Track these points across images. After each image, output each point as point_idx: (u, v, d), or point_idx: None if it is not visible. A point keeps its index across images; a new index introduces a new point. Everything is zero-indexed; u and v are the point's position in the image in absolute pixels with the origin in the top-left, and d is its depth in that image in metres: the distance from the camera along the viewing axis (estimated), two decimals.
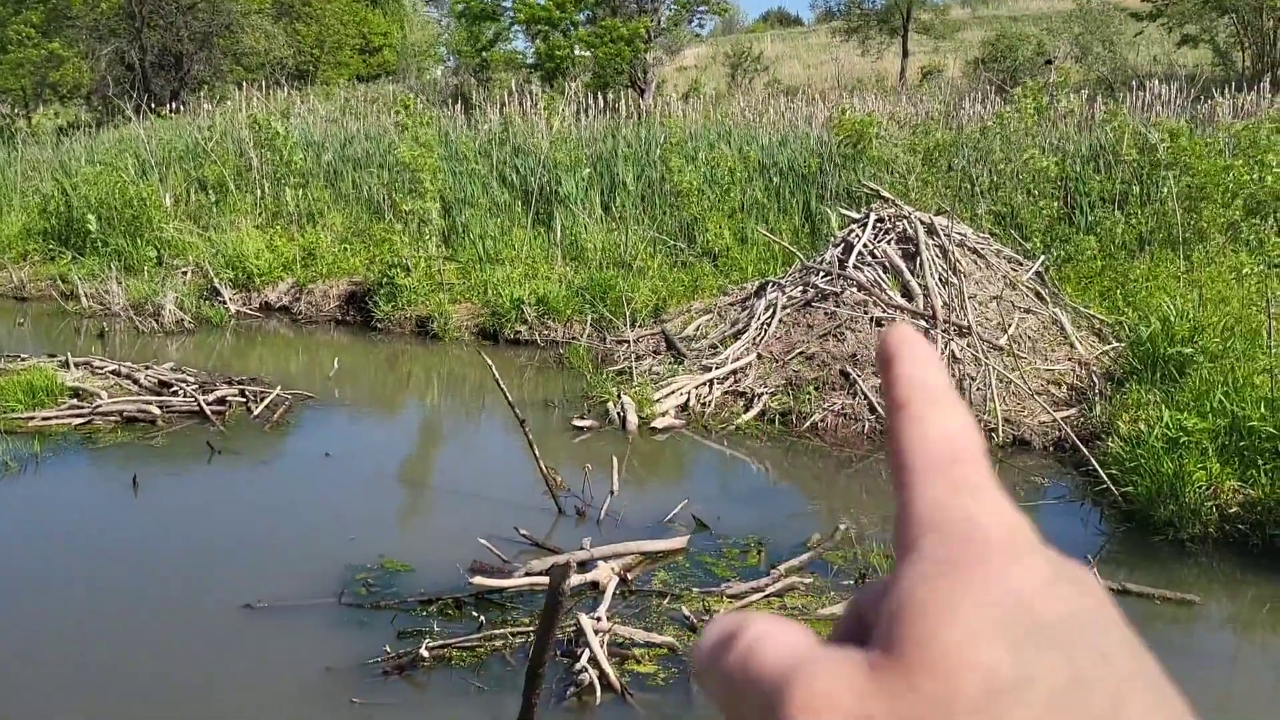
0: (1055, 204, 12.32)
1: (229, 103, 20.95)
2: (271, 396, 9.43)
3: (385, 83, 33.17)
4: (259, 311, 13.92)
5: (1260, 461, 6.75)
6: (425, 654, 5.13)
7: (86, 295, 13.95)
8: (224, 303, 13.70)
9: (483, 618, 5.58)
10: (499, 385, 7.28)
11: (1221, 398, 7.32)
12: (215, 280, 13.96)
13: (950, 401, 0.38)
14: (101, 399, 9.15)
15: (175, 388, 9.52)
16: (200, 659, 5.37)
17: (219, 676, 5.21)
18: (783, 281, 10.58)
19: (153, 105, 22.30)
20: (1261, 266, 7.60)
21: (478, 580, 5.84)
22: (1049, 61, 23.45)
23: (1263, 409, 7.01)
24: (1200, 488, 6.71)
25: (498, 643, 5.35)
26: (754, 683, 0.33)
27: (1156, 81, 17.29)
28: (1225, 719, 5.14)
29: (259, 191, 16.31)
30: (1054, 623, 0.32)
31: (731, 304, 10.99)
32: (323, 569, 6.19)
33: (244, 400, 9.45)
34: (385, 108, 20.17)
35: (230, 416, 9.22)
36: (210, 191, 16.46)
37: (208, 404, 9.10)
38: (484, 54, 32.07)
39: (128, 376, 9.82)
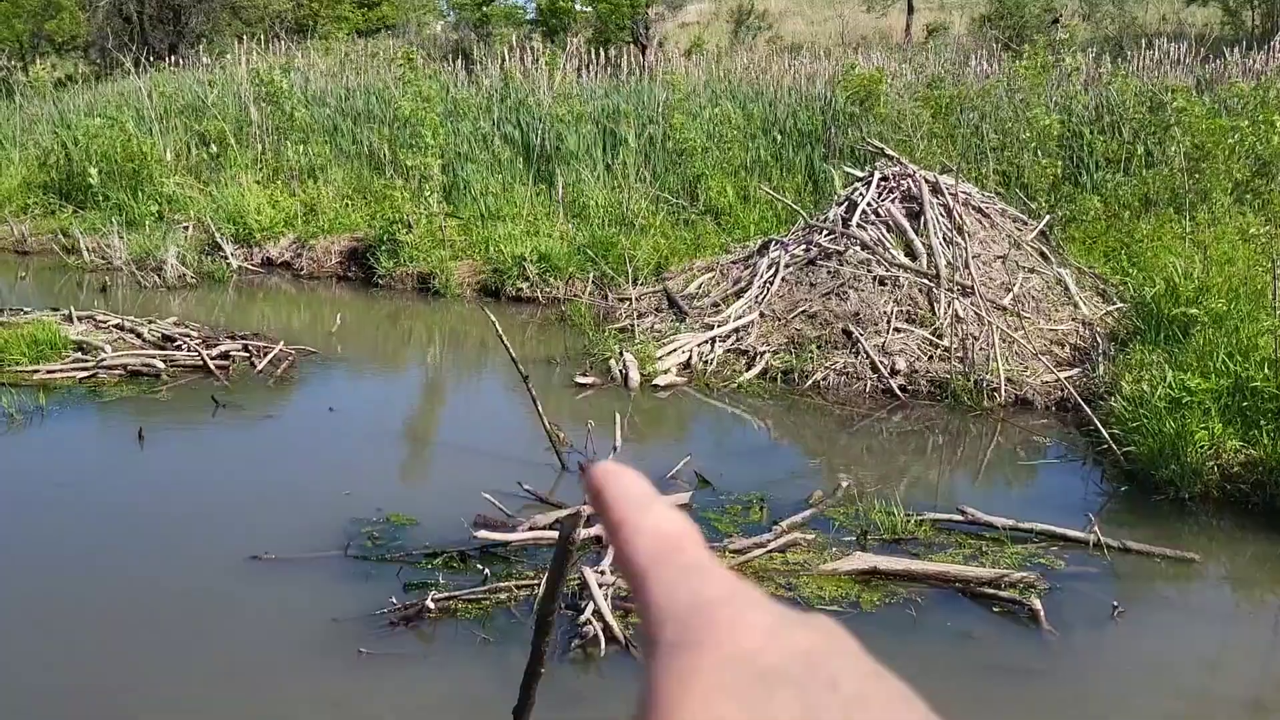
0: (1060, 163, 12.25)
1: (228, 57, 20.75)
2: (275, 352, 9.44)
3: (385, 37, 32.83)
4: (261, 267, 13.89)
5: (1262, 422, 6.77)
6: (431, 605, 5.18)
7: (88, 249, 13.91)
8: (226, 258, 13.66)
9: (487, 571, 5.63)
10: (502, 341, 7.28)
11: (1225, 358, 7.33)
12: (217, 235, 13.91)
13: (659, 505, 0.41)
14: (105, 353, 9.15)
15: (179, 342, 9.53)
16: (207, 610, 5.42)
17: (226, 627, 5.26)
18: (786, 240, 10.54)
19: (151, 59, 22.08)
20: (1268, 227, 7.57)
21: (482, 534, 5.88)
22: (1056, 20, 23.20)
23: (1266, 370, 7.02)
24: (1202, 448, 6.73)
25: (502, 595, 5.40)
26: None
27: (1165, 40, 17.12)
28: (1223, 674, 5.21)
29: (260, 146, 16.20)
30: (780, 666, 0.34)
31: (734, 262, 10.96)
32: (328, 522, 6.23)
33: (247, 355, 9.46)
34: (385, 62, 19.97)
35: (234, 371, 9.23)
36: (211, 146, 16.35)
37: (211, 359, 9.11)
38: (484, 8, 31.74)
39: (131, 331, 9.82)
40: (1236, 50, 16.47)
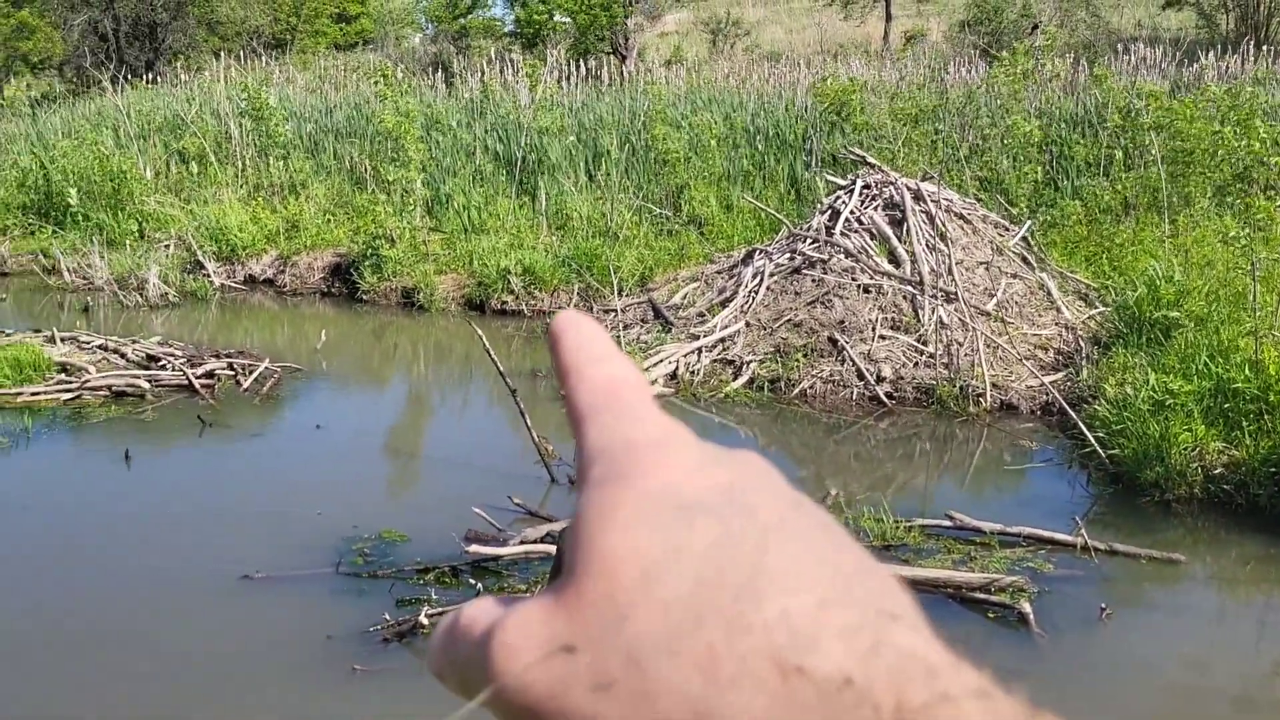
0: (1039, 169, 12.35)
1: (206, 73, 20.70)
2: (260, 369, 9.41)
3: (363, 51, 32.84)
4: (243, 284, 13.84)
5: (1244, 423, 6.85)
6: (424, 621, 5.18)
7: (69, 270, 13.83)
8: (208, 276, 13.61)
9: (479, 585, 5.63)
10: (489, 354, 7.28)
11: (1206, 361, 7.41)
12: (198, 253, 13.86)
13: (611, 356, 0.41)
14: (89, 374, 9.10)
15: (163, 362, 9.48)
16: (200, 630, 5.40)
17: (220, 647, 5.25)
18: (770, 249, 10.59)
19: (128, 76, 22.01)
20: (1246, 230, 7.67)
21: (474, 549, 5.88)
22: (1035, 26, 23.41)
23: (1247, 371, 7.10)
24: (1186, 449, 6.80)
25: None
26: (471, 652, 0.36)
27: (1141, 45, 17.29)
28: (1210, 672, 5.26)
29: (240, 163, 16.17)
30: (701, 497, 0.35)
31: (718, 272, 11.00)
32: (318, 540, 6.22)
33: (233, 374, 9.42)
34: (364, 77, 19.98)
35: (219, 390, 9.20)
36: (191, 163, 16.30)
37: (196, 378, 9.07)
38: (462, 21, 31.77)
39: (115, 351, 9.77)
40: (1211, 54, 16.66)
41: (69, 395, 8.82)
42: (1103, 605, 5.50)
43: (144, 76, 22.61)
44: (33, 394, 8.75)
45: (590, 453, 0.38)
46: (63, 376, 9.13)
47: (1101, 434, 7.33)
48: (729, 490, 0.36)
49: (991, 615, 5.49)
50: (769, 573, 0.33)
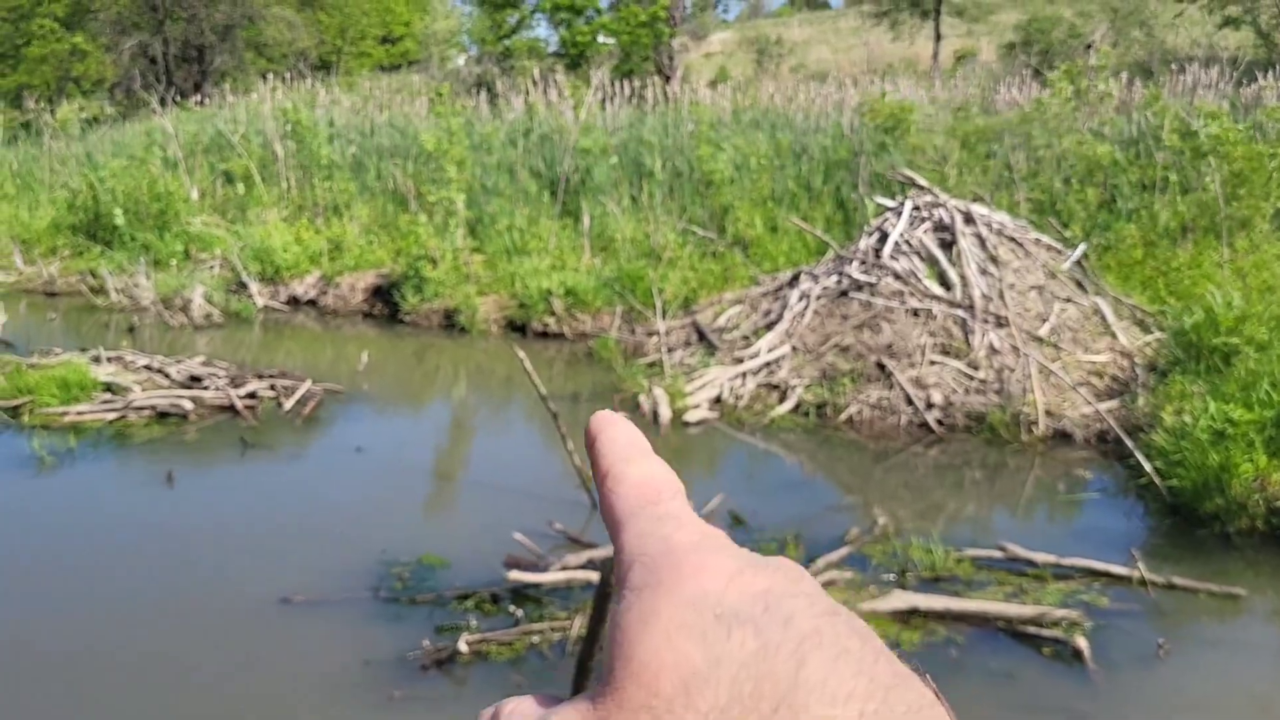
0: (1097, 191, 12.08)
1: (254, 95, 20.98)
2: (302, 390, 9.41)
3: (408, 72, 33.18)
4: (286, 305, 13.92)
5: None
6: (464, 648, 5.09)
7: (116, 290, 13.99)
8: (251, 296, 13.70)
9: (519, 612, 5.55)
10: (531, 378, 7.21)
11: (1269, 389, 7.16)
12: (243, 274, 13.97)
13: (645, 456, 0.42)
14: (134, 393, 9.15)
15: (206, 382, 9.52)
16: (239, 652, 5.36)
17: (258, 669, 5.20)
18: (816, 271, 10.45)
19: (176, 98, 22.36)
20: None
21: (515, 575, 5.79)
22: (1089, 45, 23.07)
23: None
24: (1247, 480, 6.56)
25: (535, 637, 5.31)
26: None
27: (1197, 65, 16.95)
28: (1272, 712, 5.04)
29: (285, 184, 16.31)
30: (739, 605, 0.35)
31: (764, 294, 10.86)
32: (358, 563, 6.17)
33: (275, 394, 9.43)
34: (409, 98, 20.14)
35: (261, 411, 9.21)
36: (236, 184, 16.47)
37: (239, 398, 9.09)
38: (506, 42, 32.02)
39: (159, 371, 9.82)
40: (1270, 74, 16.29)
41: (114, 415, 8.86)
42: (1160, 640, 5.31)
43: (192, 98, 22.98)
44: (78, 413, 8.81)
45: (628, 555, 0.38)
46: (108, 396, 9.19)
47: (1159, 464, 7.11)
48: (766, 597, 0.36)
49: (1045, 650, 5.31)
50: (807, 685, 0.33)
